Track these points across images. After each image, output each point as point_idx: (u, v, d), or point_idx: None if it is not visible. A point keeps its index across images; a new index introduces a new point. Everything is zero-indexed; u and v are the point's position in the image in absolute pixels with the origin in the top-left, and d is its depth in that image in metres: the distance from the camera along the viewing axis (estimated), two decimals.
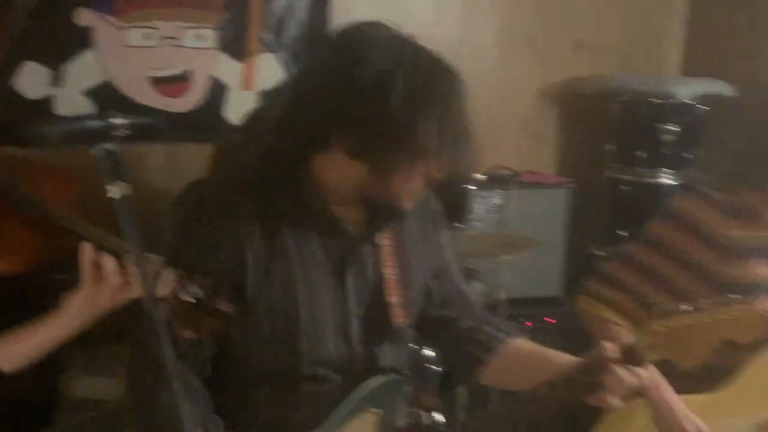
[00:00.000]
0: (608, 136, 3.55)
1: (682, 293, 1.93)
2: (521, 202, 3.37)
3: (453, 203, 3.34)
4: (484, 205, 3.33)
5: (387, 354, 1.62)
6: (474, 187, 3.32)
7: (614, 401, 1.47)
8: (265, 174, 1.52)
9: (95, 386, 2.60)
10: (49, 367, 2.66)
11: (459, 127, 1.44)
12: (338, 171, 1.48)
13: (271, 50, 3.24)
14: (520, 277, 3.29)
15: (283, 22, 3.25)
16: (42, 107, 2.87)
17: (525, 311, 3.24)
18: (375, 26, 1.49)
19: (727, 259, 1.89)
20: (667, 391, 1.88)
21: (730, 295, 1.45)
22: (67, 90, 2.92)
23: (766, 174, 1.88)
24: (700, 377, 1.90)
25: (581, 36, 3.79)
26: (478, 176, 3.44)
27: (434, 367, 2.80)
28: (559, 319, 3.30)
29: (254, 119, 2.61)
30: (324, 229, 1.54)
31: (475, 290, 2.79)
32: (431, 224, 1.70)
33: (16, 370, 1.36)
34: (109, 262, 1.27)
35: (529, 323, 3.07)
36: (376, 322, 1.59)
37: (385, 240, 1.59)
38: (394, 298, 1.58)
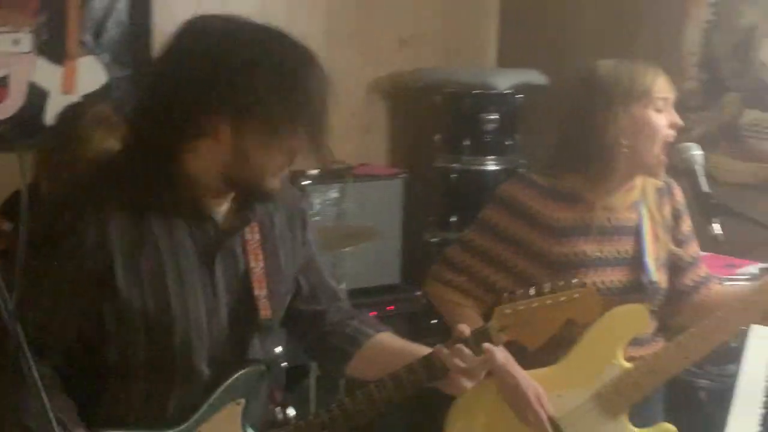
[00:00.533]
0: (435, 126, 3.70)
1: (517, 272, 2.07)
2: (357, 195, 3.45)
3: None
4: (321, 199, 3.39)
5: (255, 346, 1.65)
6: (308, 182, 3.37)
7: (467, 384, 1.58)
8: (126, 168, 1.53)
9: None
10: None
11: (318, 106, 1.50)
12: (206, 159, 1.50)
13: (92, 52, 3.15)
14: (361, 267, 3.37)
15: (103, 23, 3.17)
16: None
17: (367, 300, 3.32)
18: (235, 18, 1.53)
19: (552, 239, 2.02)
20: (512, 364, 2.00)
21: (573, 281, 1.60)
22: None
23: (579, 158, 2.03)
24: (539, 352, 2.05)
25: (404, 31, 3.92)
26: (312, 171, 3.50)
27: (282, 363, 2.83)
28: (397, 306, 3.42)
29: (72, 118, 2.53)
30: (193, 221, 1.55)
31: None
32: (299, 220, 1.73)
33: None
34: None
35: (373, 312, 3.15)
36: (244, 314, 1.61)
37: (253, 234, 1.62)
38: (261, 290, 1.61)
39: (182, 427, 1.57)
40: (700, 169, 1.85)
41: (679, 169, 1.94)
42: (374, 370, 1.71)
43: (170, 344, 1.53)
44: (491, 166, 3.57)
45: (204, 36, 1.49)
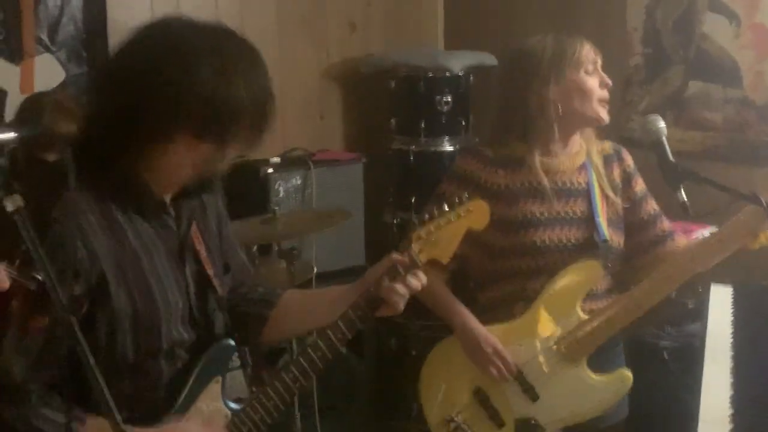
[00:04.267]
0: (390, 110, 3.77)
1: (473, 238, 2.04)
2: (319, 181, 3.51)
3: (254, 189, 3.41)
4: (284, 186, 3.43)
5: (218, 324, 1.74)
6: (270, 170, 3.41)
7: (402, 304, 1.71)
8: (99, 176, 1.57)
9: None
10: None
11: (268, 107, 1.60)
12: (175, 159, 1.57)
13: (48, 50, 3.13)
14: (327, 251, 3.44)
15: (58, 21, 3.14)
16: None
17: (335, 282, 3.36)
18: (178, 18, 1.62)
19: (502, 203, 2.13)
20: (472, 322, 2.14)
21: (464, 196, 1.78)
22: None
23: (518, 125, 2.14)
24: (498, 309, 2.18)
25: (353, 17, 3.97)
26: (275, 159, 3.54)
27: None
28: None
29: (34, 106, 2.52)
30: (155, 219, 1.64)
31: (296, 269, 2.90)
32: (212, 198, 1.81)
33: None
34: None
35: None
36: (205, 296, 1.71)
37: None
38: (210, 270, 1.71)
39: (169, 415, 1.63)
40: (665, 140, 1.97)
41: (645, 141, 2.05)
42: (293, 325, 1.83)
43: (158, 340, 1.62)
44: (447, 146, 3.65)
45: (158, 46, 1.55)
